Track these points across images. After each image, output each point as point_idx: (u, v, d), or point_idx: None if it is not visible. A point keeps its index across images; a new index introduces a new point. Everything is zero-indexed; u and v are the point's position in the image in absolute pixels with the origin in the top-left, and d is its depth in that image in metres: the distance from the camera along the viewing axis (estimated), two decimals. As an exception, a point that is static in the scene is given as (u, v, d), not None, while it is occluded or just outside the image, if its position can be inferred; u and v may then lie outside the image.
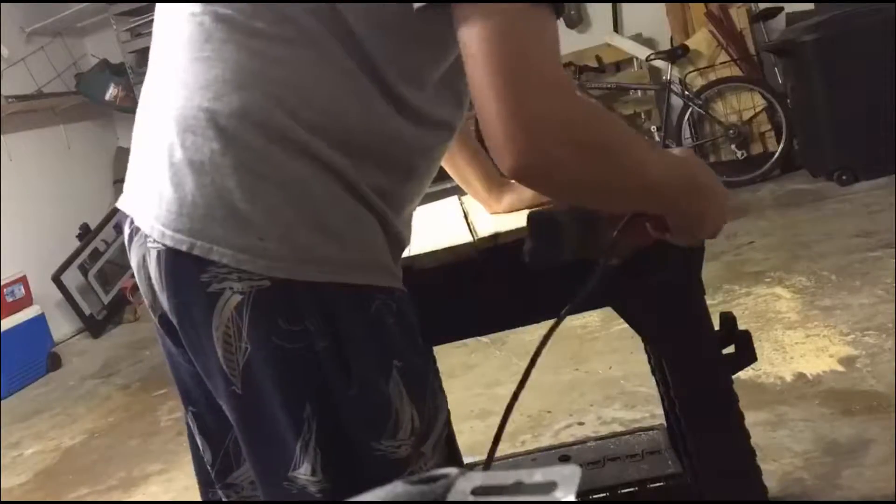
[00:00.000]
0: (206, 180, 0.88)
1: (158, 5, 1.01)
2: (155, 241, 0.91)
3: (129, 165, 1.00)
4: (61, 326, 5.82)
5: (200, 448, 1.07)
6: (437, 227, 1.43)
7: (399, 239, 1.00)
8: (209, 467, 1.07)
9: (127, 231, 0.99)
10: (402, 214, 1.00)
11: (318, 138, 0.89)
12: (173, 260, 0.90)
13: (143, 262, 0.95)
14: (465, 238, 1.27)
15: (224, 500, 1.07)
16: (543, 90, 0.81)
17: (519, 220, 1.25)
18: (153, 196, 0.91)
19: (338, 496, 0.92)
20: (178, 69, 0.93)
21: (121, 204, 1.00)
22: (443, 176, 1.36)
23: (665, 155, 1.01)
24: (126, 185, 1.00)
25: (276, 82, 0.88)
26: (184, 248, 0.88)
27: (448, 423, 1.05)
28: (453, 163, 1.43)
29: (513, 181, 1.33)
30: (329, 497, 0.92)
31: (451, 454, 2.00)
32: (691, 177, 0.99)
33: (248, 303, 0.88)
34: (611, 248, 1.01)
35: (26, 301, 5.19)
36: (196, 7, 0.93)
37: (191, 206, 0.88)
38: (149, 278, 0.95)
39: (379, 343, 0.93)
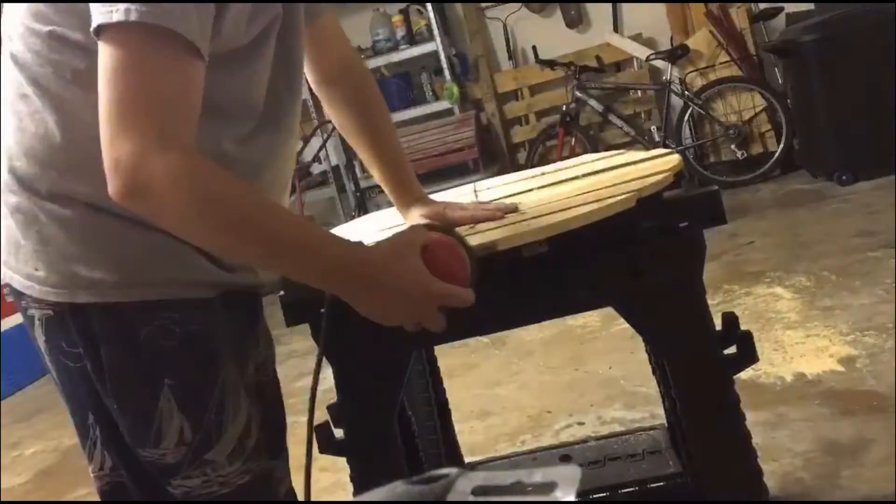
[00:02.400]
0: (4, 222, 1.10)
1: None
2: None
3: None
4: (61, 326, 5.82)
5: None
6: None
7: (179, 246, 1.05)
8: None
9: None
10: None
11: (67, 179, 1.03)
12: (8, 289, 1.13)
13: None
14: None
15: None
16: (146, 144, 0.89)
17: (516, 227, 1.25)
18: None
19: (125, 490, 1.12)
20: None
21: None
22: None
23: (327, 241, 1.01)
24: None
25: (25, 138, 1.05)
26: (1, 277, 1.12)
27: (249, 431, 1.14)
28: (370, 166, 1.43)
29: (423, 197, 1.37)
30: (116, 489, 1.12)
31: (450, 455, 2.00)
32: (357, 268, 0.99)
33: (42, 327, 1.09)
34: (324, 318, 1.10)
35: (26, 301, 5.19)
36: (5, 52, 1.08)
37: (2, 243, 1.10)
38: None
39: (143, 365, 1.06)
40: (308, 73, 1.35)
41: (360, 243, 1.03)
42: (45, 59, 1.02)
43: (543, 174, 1.58)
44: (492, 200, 1.39)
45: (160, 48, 0.90)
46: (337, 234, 1.07)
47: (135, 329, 1.06)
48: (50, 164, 1.04)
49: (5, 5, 1.07)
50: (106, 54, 0.90)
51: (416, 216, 1.36)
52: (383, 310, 1.01)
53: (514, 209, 1.28)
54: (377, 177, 1.44)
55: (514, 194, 1.45)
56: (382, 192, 1.44)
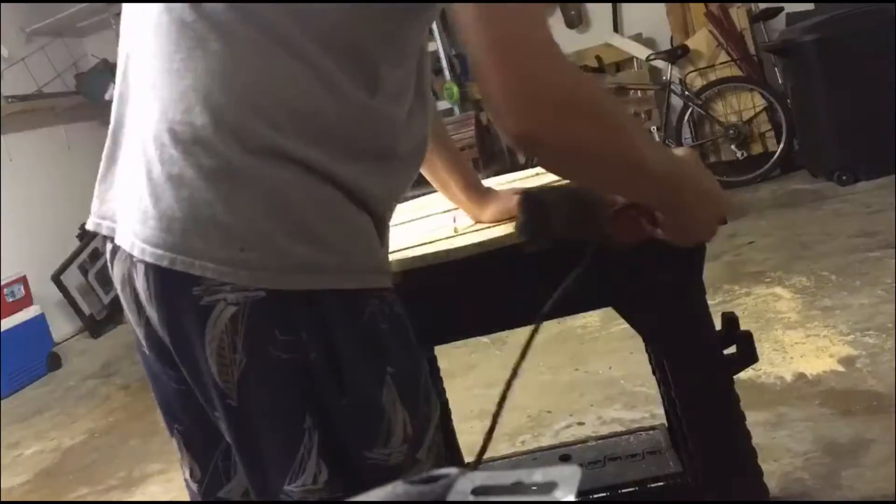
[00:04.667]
0: (184, 194, 0.87)
1: (125, 9, 1.00)
2: (137, 257, 0.90)
3: (101, 184, 1.00)
4: (61, 326, 5.82)
5: (189, 467, 1.06)
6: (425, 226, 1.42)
7: (387, 236, 1.00)
8: (196, 484, 1.06)
9: (109, 247, 0.99)
10: (390, 208, 1.00)
11: (295, 139, 0.87)
12: (161, 275, 0.89)
13: (129, 277, 0.94)
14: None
15: None
16: (535, 56, 0.82)
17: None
18: (134, 213, 0.91)
19: None
20: (151, 82, 0.92)
21: (96, 225, 1.00)
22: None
23: (664, 148, 1.02)
24: (100, 205, 1.00)
25: (245, 87, 0.87)
26: (164, 263, 0.87)
27: (439, 425, 1.03)
28: (432, 169, 1.37)
29: (495, 189, 1.32)
30: None
31: (450, 455, 2.00)
32: (689, 175, 0.99)
33: (243, 314, 0.87)
34: (601, 232, 1.01)
35: (26, 301, 5.19)
36: (163, 13, 0.92)
37: (170, 221, 0.87)
38: (135, 294, 0.94)
39: (372, 351, 0.92)
40: None
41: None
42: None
43: (538, 174, 1.58)
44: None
45: None
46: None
47: (360, 309, 0.91)
48: (281, 116, 0.88)
49: None
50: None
51: (498, 210, 1.33)
52: (692, 215, 1.01)
53: None
54: (432, 176, 1.38)
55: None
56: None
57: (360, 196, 0.91)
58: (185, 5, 0.90)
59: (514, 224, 1.04)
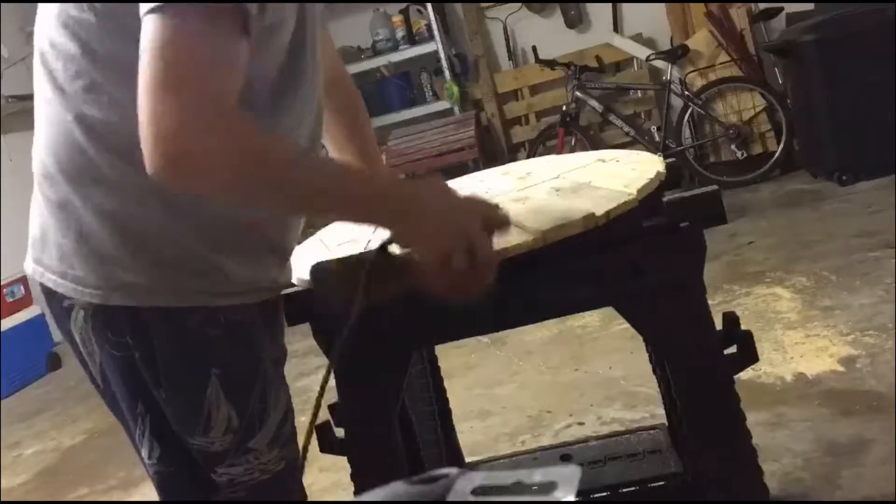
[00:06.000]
0: (39, 220, 1.11)
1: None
2: None
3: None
4: (61, 326, 5.82)
5: None
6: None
7: (251, 248, 1.11)
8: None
9: None
10: (232, 225, 1.09)
11: (126, 170, 1.01)
12: (39, 283, 1.12)
13: None
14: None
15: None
16: (193, 106, 0.88)
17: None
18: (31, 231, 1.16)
19: (173, 477, 1.16)
20: (37, 121, 1.12)
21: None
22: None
23: (368, 174, 1.10)
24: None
25: (75, 127, 1.03)
26: (28, 272, 1.14)
27: (290, 419, 1.19)
28: (331, 139, 1.47)
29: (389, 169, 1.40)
30: (164, 478, 1.17)
31: (450, 455, 2.00)
32: (400, 189, 1.04)
33: (87, 317, 1.08)
34: (365, 287, 1.03)
35: (26, 301, 5.18)
36: (37, 54, 1.09)
37: (34, 239, 1.13)
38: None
39: (192, 354, 1.08)
40: None
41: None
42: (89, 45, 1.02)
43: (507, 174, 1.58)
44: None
45: (209, 23, 0.90)
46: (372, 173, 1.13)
47: (184, 320, 1.07)
48: (98, 153, 1.04)
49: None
50: (152, 30, 0.89)
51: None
52: (432, 232, 1.00)
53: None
54: (331, 145, 1.49)
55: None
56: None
57: (184, 219, 1.05)
58: (40, 60, 1.08)
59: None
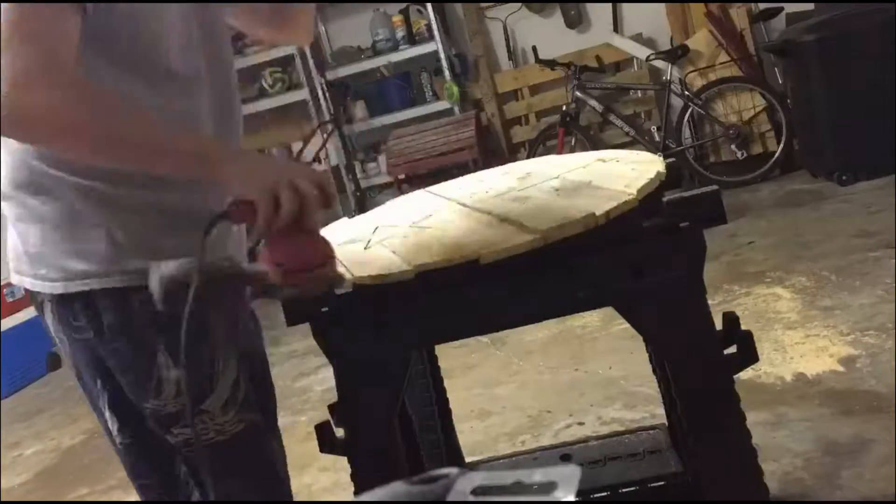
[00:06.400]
0: (10, 235, 1.27)
1: None
2: None
3: None
4: (61, 326, 5.82)
5: None
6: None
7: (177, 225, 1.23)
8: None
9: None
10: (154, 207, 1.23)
11: (52, 173, 1.19)
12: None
13: None
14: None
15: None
16: (22, 67, 1.04)
17: (504, 235, 1.25)
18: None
19: (133, 446, 1.31)
20: None
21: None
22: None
23: (185, 133, 1.18)
24: None
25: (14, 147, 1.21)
26: (15, 281, 1.28)
27: (239, 382, 1.28)
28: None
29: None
30: (127, 448, 1.32)
31: (450, 455, 2.00)
32: (220, 150, 1.16)
33: (54, 308, 1.25)
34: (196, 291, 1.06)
35: (26, 301, 5.15)
36: None
37: (12, 252, 1.27)
38: None
39: (138, 328, 1.22)
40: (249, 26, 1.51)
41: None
42: None
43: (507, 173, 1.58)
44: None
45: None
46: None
47: (129, 299, 1.22)
48: (27, 162, 1.22)
49: None
50: None
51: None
52: (252, 171, 1.12)
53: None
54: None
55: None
56: (382, 191, 1.47)
57: (109, 206, 1.21)
58: None
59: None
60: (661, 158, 1.42)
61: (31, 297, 1.30)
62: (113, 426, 1.32)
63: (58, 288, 1.23)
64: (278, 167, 1.16)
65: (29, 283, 1.26)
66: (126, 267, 1.22)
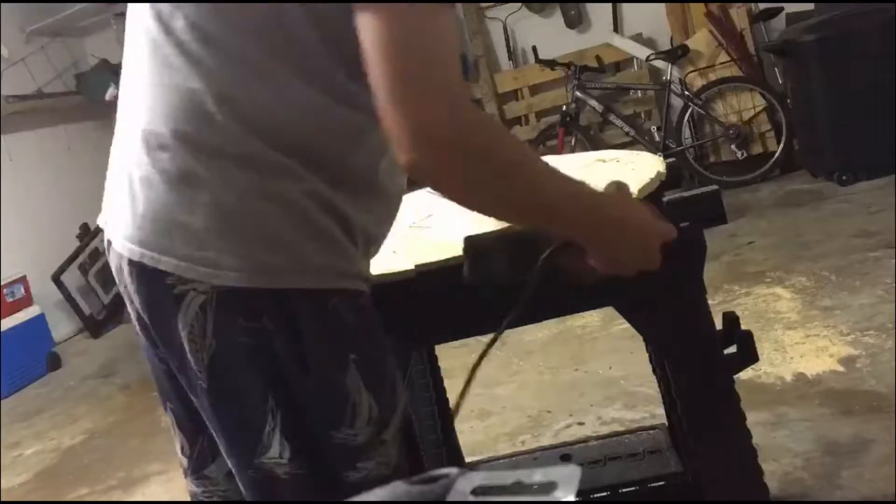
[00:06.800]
0: (152, 195, 0.97)
1: (127, 19, 1.06)
2: (119, 252, 1.01)
3: (107, 181, 1.08)
4: (61, 326, 5.82)
5: (180, 443, 1.14)
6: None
7: (366, 237, 1.04)
8: (185, 459, 1.13)
9: (106, 241, 1.07)
10: (366, 213, 1.03)
11: (251, 146, 0.95)
12: (139, 268, 0.98)
13: (119, 270, 1.03)
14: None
15: (197, 491, 1.13)
16: (432, 94, 0.86)
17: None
18: (118, 210, 1.02)
19: (305, 479, 1.00)
20: (133, 93, 1.02)
21: (103, 223, 1.08)
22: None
23: (584, 187, 1.01)
24: (105, 204, 1.08)
25: (202, 100, 0.95)
26: (136, 258, 0.97)
27: (407, 411, 1.11)
28: None
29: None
30: (296, 480, 1.00)
31: (450, 455, 2.00)
32: (608, 209, 1.03)
33: (211, 302, 0.96)
34: (538, 268, 1.04)
35: (26, 301, 5.18)
36: (141, 34, 1.01)
37: (143, 220, 0.97)
38: (124, 285, 1.03)
39: (334, 338, 0.99)
40: None
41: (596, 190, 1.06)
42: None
43: None
44: None
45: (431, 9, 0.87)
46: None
47: (324, 303, 0.99)
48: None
49: None
50: (375, 26, 0.86)
51: None
52: (619, 253, 1.04)
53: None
54: None
55: None
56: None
57: (321, 201, 0.97)
58: (158, 29, 0.98)
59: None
60: (661, 158, 1.42)
61: (145, 281, 0.99)
62: (283, 454, 1.00)
63: (234, 279, 0.95)
64: (646, 249, 1.06)
65: (174, 265, 0.96)
66: (325, 264, 1.00)
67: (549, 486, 0.44)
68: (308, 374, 0.98)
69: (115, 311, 5.98)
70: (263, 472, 1.00)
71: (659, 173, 1.30)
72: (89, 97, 6.31)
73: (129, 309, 1.06)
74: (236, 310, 0.96)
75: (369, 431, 1.02)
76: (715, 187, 1.23)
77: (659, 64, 5.60)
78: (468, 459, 2.16)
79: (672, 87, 5.40)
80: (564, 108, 5.55)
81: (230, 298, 0.96)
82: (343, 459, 1.01)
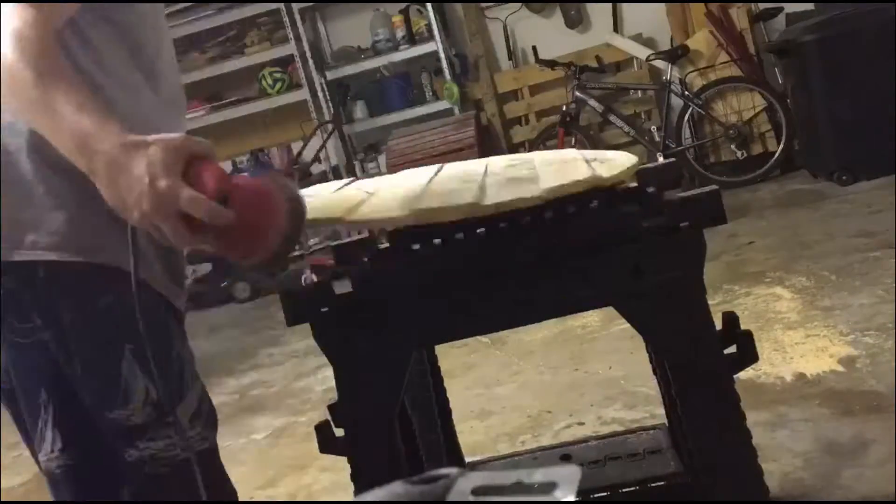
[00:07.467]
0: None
1: None
2: None
3: None
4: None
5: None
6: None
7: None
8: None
9: None
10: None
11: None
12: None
13: None
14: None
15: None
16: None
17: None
18: None
19: (76, 473, 1.15)
20: None
21: None
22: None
23: (103, 127, 0.94)
24: None
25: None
26: None
27: (206, 397, 1.21)
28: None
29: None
30: (68, 474, 1.16)
31: (450, 455, 2.00)
32: (101, 143, 0.93)
33: None
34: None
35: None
36: None
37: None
38: None
39: (105, 331, 1.11)
40: None
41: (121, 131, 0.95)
42: None
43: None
44: None
45: None
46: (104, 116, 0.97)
47: (93, 297, 1.10)
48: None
49: None
50: None
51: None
52: (122, 193, 0.92)
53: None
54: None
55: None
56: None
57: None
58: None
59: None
60: (637, 160, 1.41)
61: None
62: (54, 446, 1.16)
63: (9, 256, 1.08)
64: (154, 191, 0.91)
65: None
66: (105, 258, 1.09)
67: (550, 486, 0.44)
68: (76, 364, 1.10)
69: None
70: (44, 469, 1.18)
71: (632, 167, 1.31)
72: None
73: None
74: (10, 310, 1.09)
75: (148, 412, 1.12)
76: (715, 187, 1.24)
77: (659, 64, 5.59)
78: (468, 459, 2.16)
79: (672, 87, 5.40)
80: (564, 108, 5.55)
81: (5, 301, 1.09)
82: (124, 438, 1.13)
